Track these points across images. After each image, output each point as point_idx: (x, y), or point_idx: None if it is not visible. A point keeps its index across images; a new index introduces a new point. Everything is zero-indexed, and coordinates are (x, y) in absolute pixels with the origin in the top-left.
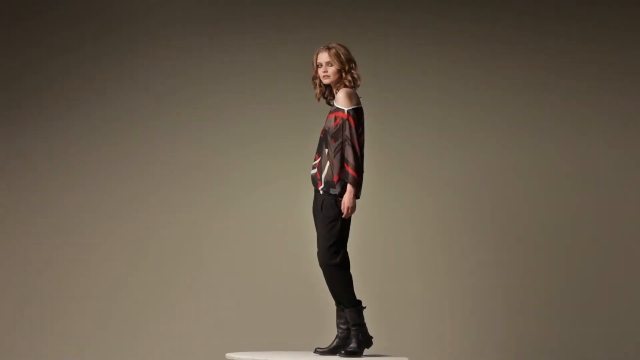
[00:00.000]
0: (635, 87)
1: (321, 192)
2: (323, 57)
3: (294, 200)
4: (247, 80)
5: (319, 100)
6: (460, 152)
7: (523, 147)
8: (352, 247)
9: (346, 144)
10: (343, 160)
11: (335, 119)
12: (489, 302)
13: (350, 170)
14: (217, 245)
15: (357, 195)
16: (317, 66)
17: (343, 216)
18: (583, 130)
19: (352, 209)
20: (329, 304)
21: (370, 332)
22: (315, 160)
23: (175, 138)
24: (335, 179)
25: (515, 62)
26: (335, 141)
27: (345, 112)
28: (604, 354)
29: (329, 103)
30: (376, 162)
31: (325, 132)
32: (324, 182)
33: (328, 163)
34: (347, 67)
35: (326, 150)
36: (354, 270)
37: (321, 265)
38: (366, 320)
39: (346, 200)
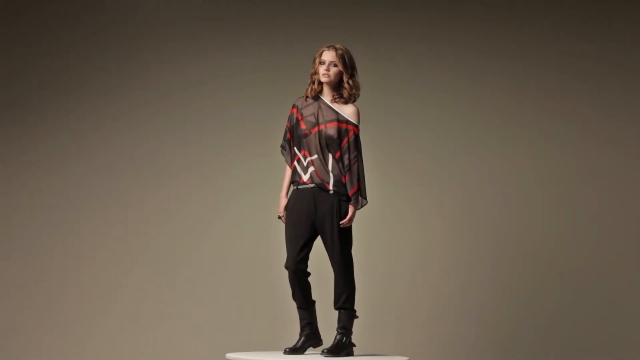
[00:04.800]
0: (637, 86)
1: (332, 191)
2: (328, 55)
3: None
4: (247, 80)
5: (311, 97)
6: (461, 152)
7: (525, 147)
8: (353, 247)
9: (360, 160)
10: (359, 174)
11: (347, 130)
12: (489, 302)
13: (363, 187)
14: (218, 245)
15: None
16: (320, 63)
17: (343, 224)
18: (585, 130)
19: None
20: (330, 305)
21: (371, 331)
22: (306, 157)
23: (175, 138)
24: (355, 188)
25: (517, 62)
26: (349, 153)
27: (359, 128)
28: (604, 354)
29: (313, 98)
30: (377, 162)
31: (320, 133)
32: (333, 182)
33: (331, 163)
34: (349, 72)
35: (329, 155)
36: (355, 270)
37: (342, 266)
38: (367, 320)
39: (353, 212)
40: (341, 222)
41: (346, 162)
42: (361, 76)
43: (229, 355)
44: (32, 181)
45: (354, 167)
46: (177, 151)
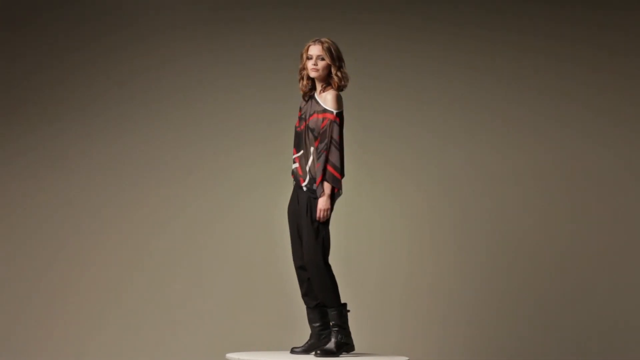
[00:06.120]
0: (636, 89)
1: (305, 188)
2: (315, 50)
3: None
4: (247, 81)
5: (303, 93)
6: (453, 151)
7: (517, 146)
8: (349, 247)
9: (332, 147)
10: (327, 162)
11: (323, 120)
12: (488, 302)
13: (333, 171)
14: (217, 245)
15: (336, 196)
16: (307, 58)
17: (318, 219)
18: (579, 131)
19: (328, 211)
20: None
21: (370, 331)
22: (294, 155)
23: (175, 139)
24: (319, 179)
25: (511, 61)
26: (320, 142)
27: (335, 114)
28: (604, 353)
29: (307, 95)
30: (375, 162)
31: (306, 128)
32: (308, 179)
33: (311, 159)
34: (337, 64)
35: (311, 148)
36: (353, 270)
37: (312, 264)
38: (366, 320)
39: (322, 203)
40: (317, 218)
41: (318, 151)
42: (359, 76)
43: (229, 355)
44: (32, 181)
45: (322, 156)
46: (177, 152)
